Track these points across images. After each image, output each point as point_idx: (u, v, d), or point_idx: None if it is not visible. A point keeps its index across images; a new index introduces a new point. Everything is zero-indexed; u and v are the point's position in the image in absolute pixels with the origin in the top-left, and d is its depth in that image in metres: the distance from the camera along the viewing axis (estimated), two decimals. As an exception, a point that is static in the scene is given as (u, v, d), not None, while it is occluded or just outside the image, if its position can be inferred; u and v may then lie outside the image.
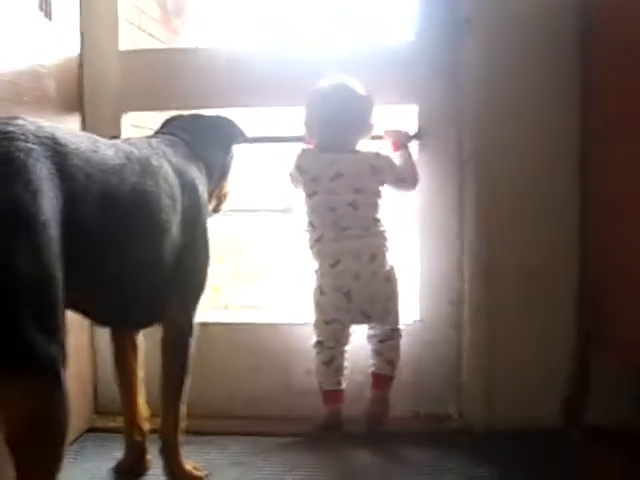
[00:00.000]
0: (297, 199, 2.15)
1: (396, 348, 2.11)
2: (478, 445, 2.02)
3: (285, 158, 2.19)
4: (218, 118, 1.96)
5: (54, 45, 1.97)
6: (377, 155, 2.11)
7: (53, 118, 1.92)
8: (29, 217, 1.08)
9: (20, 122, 1.17)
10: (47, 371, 1.12)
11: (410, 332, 2.20)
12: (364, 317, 2.09)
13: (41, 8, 1.88)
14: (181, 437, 1.73)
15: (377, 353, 2.11)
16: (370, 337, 2.13)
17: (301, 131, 2.19)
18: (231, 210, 2.18)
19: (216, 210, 2.00)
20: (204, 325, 1.77)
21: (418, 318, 2.22)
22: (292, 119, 2.18)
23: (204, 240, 1.72)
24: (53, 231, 1.13)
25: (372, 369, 2.13)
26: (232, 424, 2.17)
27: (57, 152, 1.20)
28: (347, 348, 2.11)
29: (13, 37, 1.74)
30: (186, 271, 1.65)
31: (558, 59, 2.04)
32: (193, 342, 1.70)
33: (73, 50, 2.11)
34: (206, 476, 1.79)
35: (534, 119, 2.08)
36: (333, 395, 2.12)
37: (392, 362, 2.10)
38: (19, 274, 1.06)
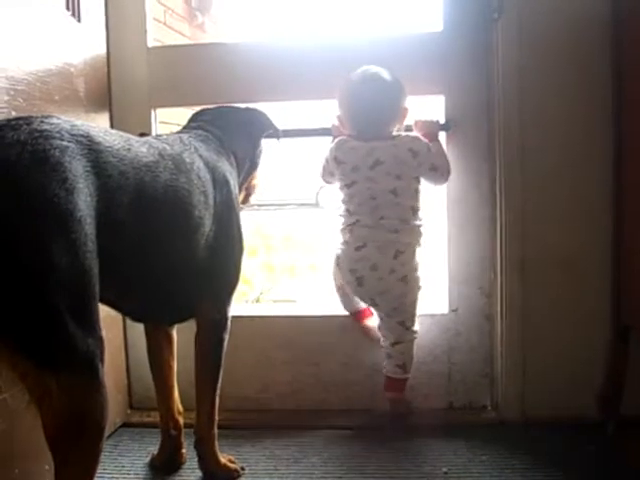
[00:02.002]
0: (327, 193, 2.16)
1: (407, 351, 2.10)
2: (512, 436, 2.01)
3: (314, 152, 2.18)
4: (247, 110, 1.96)
5: (82, 44, 1.98)
6: (416, 138, 2.10)
7: (83, 116, 1.94)
8: (65, 214, 1.09)
9: (55, 120, 1.18)
10: (86, 365, 1.13)
11: (443, 323, 2.20)
12: (372, 303, 2.12)
13: (68, 8, 1.90)
14: (216, 431, 1.74)
15: (388, 356, 2.11)
16: (383, 338, 2.13)
17: (329, 124, 2.18)
18: (262, 205, 2.19)
19: (245, 202, 2.01)
20: (236, 318, 1.78)
21: (451, 309, 2.21)
22: (321, 112, 2.17)
23: (237, 234, 1.72)
24: (89, 227, 1.14)
25: (384, 370, 2.13)
26: (265, 417, 2.19)
27: (92, 150, 1.21)
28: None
29: (42, 37, 1.76)
30: (220, 266, 1.66)
31: (590, 48, 2.02)
32: (227, 337, 1.71)
33: (101, 48, 2.13)
34: (242, 469, 1.80)
35: (567, 109, 2.05)
36: (356, 315, 2.20)
37: (403, 365, 2.09)
38: (56, 270, 1.07)
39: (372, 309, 2.16)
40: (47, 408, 1.10)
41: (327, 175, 2.18)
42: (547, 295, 2.09)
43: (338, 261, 2.11)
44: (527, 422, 2.08)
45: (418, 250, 2.08)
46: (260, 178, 2.05)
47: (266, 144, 2.02)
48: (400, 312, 2.08)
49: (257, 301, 3.79)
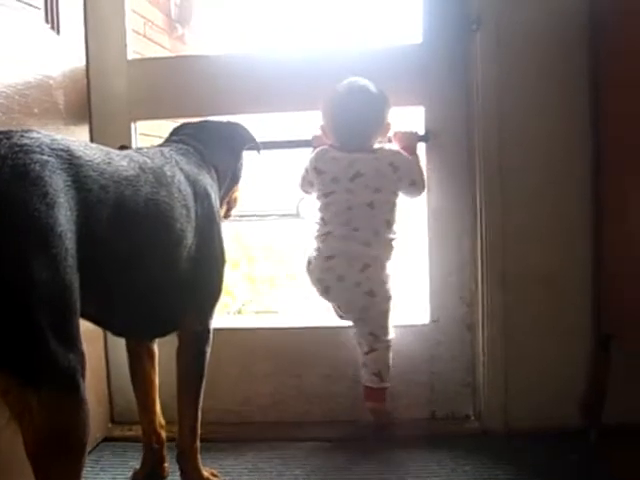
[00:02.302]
0: (308, 203, 2.16)
1: (382, 359, 2.09)
2: (495, 446, 2.01)
3: (294, 163, 2.19)
4: (228, 124, 1.96)
5: (62, 57, 1.97)
6: (397, 153, 2.11)
7: (62, 128, 1.93)
8: (46, 228, 1.09)
9: (35, 135, 1.18)
10: (67, 381, 1.12)
11: (424, 333, 2.21)
12: (341, 312, 2.13)
13: (47, 20, 1.89)
14: (198, 444, 1.73)
15: (363, 365, 2.12)
16: (358, 346, 2.13)
17: (309, 135, 2.19)
18: (242, 215, 2.19)
19: (226, 216, 2.01)
20: (218, 330, 1.77)
21: (432, 319, 2.22)
22: (301, 123, 2.17)
23: (219, 247, 1.72)
24: (69, 242, 1.13)
25: (362, 380, 2.13)
26: (248, 430, 2.18)
27: (72, 164, 1.20)
28: None
29: (21, 50, 1.75)
30: (202, 279, 1.65)
31: (568, 58, 2.04)
32: (209, 349, 1.70)
33: (80, 61, 2.12)
34: (224, 482, 1.80)
35: (546, 120, 2.07)
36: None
37: (378, 374, 2.09)
38: (36, 285, 1.06)
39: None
40: (28, 424, 1.09)
41: (306, 185, 2.18)
42: (529, 304, 2.10)
43: (309, 266, 2.12)
44: (510, 432, 2.08)
45: (388, 263, 2.09)
46: (241, 191, 2.05)
47: (247, 157, 2.02)
48: (367, 323, 2.09)
49: (239, 312, 3.78)
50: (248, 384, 2.24)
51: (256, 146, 1.99)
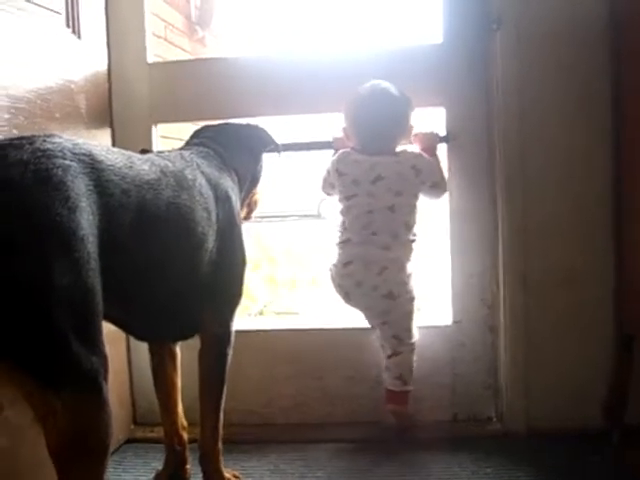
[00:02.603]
0: (329, 204, 2.16)
1: (405, 363, 2.09)
2: (517, 448, 2.00)
3: (316, 164, 2.19)
4: (248, 127, 1.97)
5: (83, 61, 1.99)
6: (419, 155, 2.11)
7: (84, 132, 1.95)
8: (68, 232, 1.09)
9: (57, 139, 1.19)
10: (90, 384, 1.13)
11: (447, 334, 2.20)
12: (364, 314, 2.14)
13: (68, 25, 1.91)
14: (220, 446, 1.74)
15: (386, 368, 2.11)
16: (381, 349, 2.14)
17: (330, 137, 2.19)
18: (263, 217, 2.20)
19: (247, 218, 2.01)
20: (240, 332, 1.77)
21: (454, 320, 2.21)
22: (322, 125, 2.18)
23: (240, 250, 1.72)
24: (91, 246, 1.14)
25: (385, 383, 2.13)
26: (270, 431, 2.18)
27: (94, 168, 1.21)
28: None
29: (43, 55, 1.77)
30: (223, 282, 1.66)
31: (588, 57, 2.02)
32: (230, 351, 1.71)
33: (102, 65, 2.14)
34: (246, 484, 1.80)
35: (566, 119, 2.05)
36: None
37: (401, 377, 2.08)
38: (59, 288, 1.07)
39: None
40: (51, 426, 1.10)
41: (327, 187, 2.19)
42: (550, 306, 2.08)
43: (331, 274, 2.13)
44: (531, 433, 2.07)
45: (408, 264, 2.08)
46: (262, 194, 2.06)
47: (267, 159, 2.03)
48: (391, 326, 2.09)
49: (260, 314, 3.79)
50: (270, 386, 2.25)
51: (276, 148, 2.00)
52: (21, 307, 1.04)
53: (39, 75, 1.73)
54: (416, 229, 2.10)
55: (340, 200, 2.13)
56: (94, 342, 1.14)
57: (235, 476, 1.80)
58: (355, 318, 2.18)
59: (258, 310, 3.81)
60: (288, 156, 2.17)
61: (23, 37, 1.67)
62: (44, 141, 1.16)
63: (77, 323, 1.10)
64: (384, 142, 2.10)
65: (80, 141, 1.25)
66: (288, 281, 4.81)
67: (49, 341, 1.07)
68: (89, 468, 1.16)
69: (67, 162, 1.15)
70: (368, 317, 2.13)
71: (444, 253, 2.24)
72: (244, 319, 2.83)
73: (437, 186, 2.11)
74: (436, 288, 2.24)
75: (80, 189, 1.15)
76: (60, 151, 1.16)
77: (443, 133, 2.17)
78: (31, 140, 1.15)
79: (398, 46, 2.25)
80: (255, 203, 2.04)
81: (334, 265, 2.11)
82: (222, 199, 1.65)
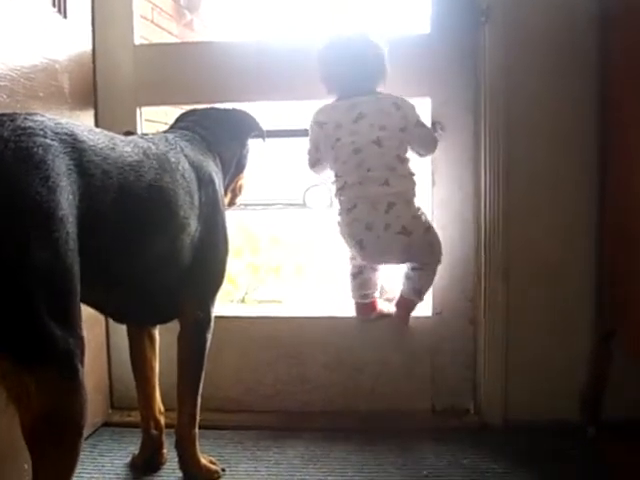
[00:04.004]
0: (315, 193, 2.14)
1: (425, 277, 2.09)
2: (494, 440, 2.01)
3: (301, 153, 2.17)
4: (234, 111, 1.96)
5: (68, 41, 1.97)
6: (401, 98, 2.06)
7: (67, 113, 1.93)
8: (47, 212, 1.09)
9: (39, 118, 1.18)
10: (65, 365, 1.12)
11: (427, 326, 2.20)
12: (382, 262, 2.13)
13: (54, 4, 1.89)
14: (197, 431, 1.74)
15: (407, 277, 2.11)
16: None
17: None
18: (248, 204, 2.18)
19: (232, 203, 2.00)
20: (221, 318, 1.77)
21: (434, 312, 2.21)
22: (307, 113, 2.16)
23: (222, 234, 1.72)
24: (70, 226, 1.13)
25: (401, 289, 2.14)
26: (248, 418, 2.18)
27: (75, 148, 1.20)
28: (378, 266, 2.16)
29: (27, 33, 1.75)
30: (204, 266, 1.65)
31: (576, 50, 2.03)
32: (210, 336, 1.70)
33: (87, 45, 2.12)
34: (222, 470, 1.80)
35: (552, 111, 2.06)
36: (359, 307, 2.18)
37: (419, 290, 2.10)
38: (36, 268, 1.06)
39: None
40: (25, 408, 1.10)
41: (312, 152, 2.12)
42: (531, 299, 2.10)
43: (340, 229, 2.08)
44: (509, 426, 2.08)
45: (414, 199, 2.04)
46: (247, 179, 2.04)
47: (253, 144, 2.01)
48: (414, 259, 2.07)
49: (242, 301, 3.78)
50: (249, 372, 2.24)
51: (261, 134, 1.99)
52: (-3, 286, 1.03)
53: (23, 53, 1.71)
54: (412, 165, 2.05)
55: (327, 152, 2.07)
56: (70, 323, 1.13)
57: (211, 462, 1.80)
58: (336, 306, 2.18)
59: (240, 297, 3.80)
60: (274, 143, 2.16)
61: (7, 15, 1.65)
62: (25, 119, 1.15)
63: (53, 303, 1.09)
64: (363, 84, 2.05)
65: (63, 120, 1.25)
66: (272, 269, 4.80)
67: (24, 321, 1.06)
68: (63, 450, 1.16)
69: (48, 141, 1.14)
70: (388, 261, 2.11)
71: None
72: (226, 306, 2.82)
73: (424, 126, 2.07)
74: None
75: (61, 169, 1.14)
76: (42, 130, 1.15)
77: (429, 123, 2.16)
78: (12, 117, 1.14)
79: (385, 35, 2.23)
80: (240, 188, 2.03)
81: (339, 216, 2.06)
82: (205, 183, 1.64)
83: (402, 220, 1.99)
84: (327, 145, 2.06)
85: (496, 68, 2.03)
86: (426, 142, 2.09)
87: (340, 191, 2.05)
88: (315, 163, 2.13)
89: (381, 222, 1.98)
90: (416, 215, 2.03)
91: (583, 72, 2.02)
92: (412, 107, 2.06)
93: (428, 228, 2.05)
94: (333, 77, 2.08)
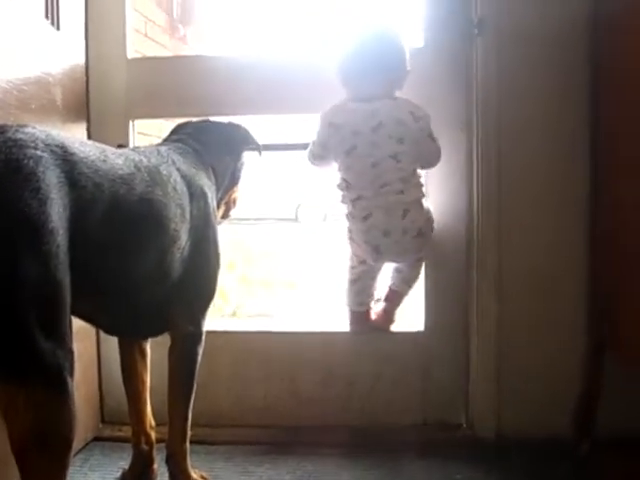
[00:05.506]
0: (306, 208, 2.14)
1: (417, 270, 2.16)
2: (487, 455, 2.00)
3: (294, 170, 2.17)
4: (228, 125, 1.95)
5: (61, 53, 1.97)
6: (417, 106, 2.04)
7: (59, 125, 1.92)
8: (37, 224, 1.08)
9: (30, 130, 1.17)
10: (54, 379, 1.11)
11: (419, 339, 2.20)
12: (393, 262, 2.14)
13: (47, 16, 1.89)
14: (188, 446, 1.72)
15: (397, 270, 2.14)
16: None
17: (310, 138, 2.15)
18: (241, 219, 2.17)
19: (225, 216, 2.00)
20: (212, 333, 1.76)
21: (426, 325, 2.21)
22: (301, 126, 2.16)
23: (214, 248, 1.70)
24: (61, 239, 1.12)
25: (390, 283, 2.16)
26: (239, 433, 2.16)
27: (66, 160, 1.19)
28: (377, 276, 2.17)
29: (20, 45, 1.74)
30: (196, 280, 1.64)
31: (569, 62, 2.03)
32: (201, 351, 1.69)
33: (80, 58, 2.11)
34: (213, 485, 1.79)
35: (546, 125, 2.07)
36: (354, 315, 2.19)
37: (409, 282, 2.15)
38: (26, 281, 1.06)
39: None
40: (13, 421, 1.09)
41: (318, 150, 2.09)
42: (523, 313, 2.09)
43: (351, 234, 2.08)
44: (502, 441, 2.07)
45: (424, 202, 2.06)
46: (241, 192, 2.04)
47: (248, 158, 2.01)
48: (420, 258, 2.15)
49: (233, 315, 3.77)
50: (241, 387, 2.23)
51: (257, 147, 1.98)
52: (-15, 298, 1.02)
53: (16, 65, 1.71)
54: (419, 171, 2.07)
55: (337, 157, 2.06)
56: (60, 336, 1.12)
57: (203, 477, 1.78)
58: (327, 321, 2.17)
59: (231, 311, 3.80)
60: (267, 159, 2.15)
61: (1, 26, 1.64)
62: (16, 131, 1.14)
63: (43, 316, 1.08)
64: (383, 87, 2.03)
65: (54, 132, 1.24)
66: (263, 283, 4.80)
67: (13, 333, 1.05)
68: (51, 464, 1.14)
69: (39, 153, 1.13)
70: (402, 261, 2.13)
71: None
72: (217, 320, 2.81)
73: (435, 142, 2.05)
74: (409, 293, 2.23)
75: (51, 181, 1.13)
76: (32, 142, 1.14)
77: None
78: (3, 129, 1.14)
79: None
80: (234, 201, 2.02)
81: (352, 223, 2.06)
82: (197, 196, 1.63)
83: (417, 224, 2.03)
84: (340, 149, 2.04)
85: (489, 81, 2.04)
86: (435, 157, 2.09)
87: (352, 202, 2.05)
88: (318, 158, 2.12)
89: (398, 228, 2.01)
90: (428, 217, 2.07)
91: (578, 85, 2.03)
92: (428, 118, 2.04)
93: (433, 228, 2.10)
94: (351, 75, 2.04)
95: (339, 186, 2.08)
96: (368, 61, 2.01)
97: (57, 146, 1.19)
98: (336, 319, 2.27)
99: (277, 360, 2.22)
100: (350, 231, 2.07)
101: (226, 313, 3.75)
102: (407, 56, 2.04)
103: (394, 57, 2.03)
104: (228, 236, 1.93)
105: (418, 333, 2.21)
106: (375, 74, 2.01)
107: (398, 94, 2.07)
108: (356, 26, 2.07)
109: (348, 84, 2.06)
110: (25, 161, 1.10)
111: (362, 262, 2.12)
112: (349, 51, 2.05)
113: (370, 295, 2.18)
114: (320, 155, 2.10)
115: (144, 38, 3.15)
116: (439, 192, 2.16)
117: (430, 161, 2.09)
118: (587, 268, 2.05)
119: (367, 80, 2.02)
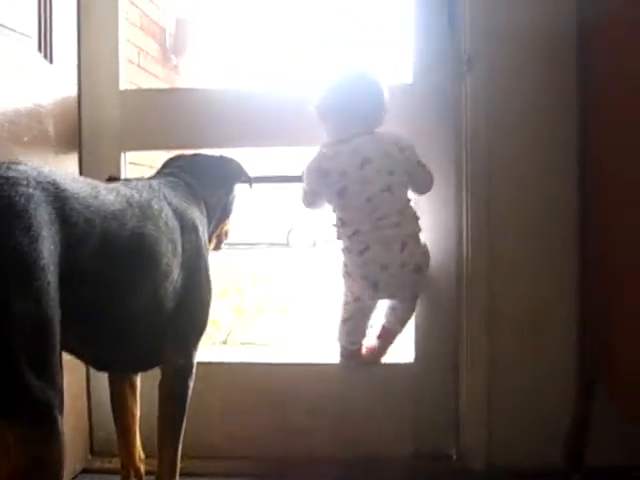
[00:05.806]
0: (298, 233, 2.15)
1: (411, 308, 2.15)
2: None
3: (285, 195, 2.18)
4: (220, 158, 1.96)
5: (54, 85, 1.98)
6: (400, 137, 2.07)
7: (52, 157, 1.93)
8: (28, 261, 1.08)
9: (21, 167, 1.18)
10: (44, 417, 1.11)
11: (409, 371, 2.20)
12: (390, 298, 2.13)
13: (40, 49, 1.91)
14: (178, 478, 1.71)
15: (392, 308, 2.14)
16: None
17: (299, 171, 2.16)
18: (231, 244, 2.17)
19: (217, 248, 2.00)
20: (202, 364, 1.76)
21: (416, 357, 2.21)
22: (292, 158, 2.17)
23: (205, 282, 1.70)
24: (52, 276, 1.13)
25: (383, 321, 2.16)
26: (229, 465, 2.16)
27: (58, 197, 1.20)
28: (370, 314, 2.17)
29: (13, 78, 1.76)
30: (187, 313, 1.64)
31: (560, 98, 2.05)
32: (192, 383, 1.69)
33: (72, 90, 2.13)
34: (203, 519, 1.77)
35: (536, 163, 2.08)
36: (346, 352, 2.19)
37: (402, 321, 2.15)
38: (16, 318, 1.06)
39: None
40: (3, 460, 1.08)
41: (310, 197, 2.11)
42: (513, 345, 2.10)
43: (346, 269, 2.08)
44: (492, 472, 2.07)
45: (420, 235, 2.07)
46: (233, 224, 2.05)
47: (239, 191, 2.02)
48: (417, 295, 2.14)
49: (224, 343, 3.76)
50: (231, 419, 2.22)
51: (248, 180, 1.99)
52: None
53: (8, 98, 1.72)
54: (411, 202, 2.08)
55: (330, 201, 2.07)
56: (49, 374, 1.12)
57: (192, 510, 1.77)
58: (319, 347, 2.17)
59: (222, 339, 3.78)
60: (259, 188, 2.16)
61: (-6, 59, 1.66)
62: (8, 168, 1.15)
63: (33, 354, 1.08)
64: (364, 125, 2.05)
65: (46, 169, 1.24)
66: (255, 309, 4.79)
67: (4, 371, 1.05)
68: (41, 501, 1.14)
69: (30, 190, 1.14)
70: (398, 297, 2.12)
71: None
72: (208, 349, 2.80)
73: (424, 168, 2.06)
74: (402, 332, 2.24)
75: (43, 218, 1.14)
76: (24, 179, 1.15)
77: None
78: (-5, 167, 1.14)
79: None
80: (226, 234, 2.03)
81: (348, 257, 2.05)
82: (188, 230, 1.64)
83: (415, 257, 2.03)
84: (331, 192, 2.05)
85: (478, 117, 2.06)
86: (427, 182, 2.10)
87: (349, 237, 2.05)
88: (311, 204, 2.14)
89: (397, 261, 2.00)
90: (425, 252, 2.07)
91: (568, 121, 2.04)
92: (412, 147, 2.06)
93: (429, 263, 2.09)
94: (331, 116, 2.07)
95: (335, 225, 2.09)
96: (345, 101, 2.05)
97: (49, 183, 1.20)
98: (328, 346, 2.27)
99: (267, 392, 2.22)
100: (346, 265, 2.07)
101: (217, 340, 3.74)
102: (385, 96, 2.07)
103: (371, 97, 2.06)
104: (219, 263, 1.93)
105: (408, 365, 2.21)
106: (351, 114, 2.04)
107: (379, 129, 2.09)
108: (337, 67, 2.10)
109: (326, 123, 2.09)
110: (17, 198, 1.11)
111: (356, 299, 2.11)
112: (326, 91, 2.08)
113: (363, 334, 2.17)
114: (313, 202, 2.12)
115: (137, 68, 3.17)
116: (429, 226, 2.16)
117: (424, 186, 2.10)
118: (577, 296, 2.05)
119: (344, 120, 2.05)
